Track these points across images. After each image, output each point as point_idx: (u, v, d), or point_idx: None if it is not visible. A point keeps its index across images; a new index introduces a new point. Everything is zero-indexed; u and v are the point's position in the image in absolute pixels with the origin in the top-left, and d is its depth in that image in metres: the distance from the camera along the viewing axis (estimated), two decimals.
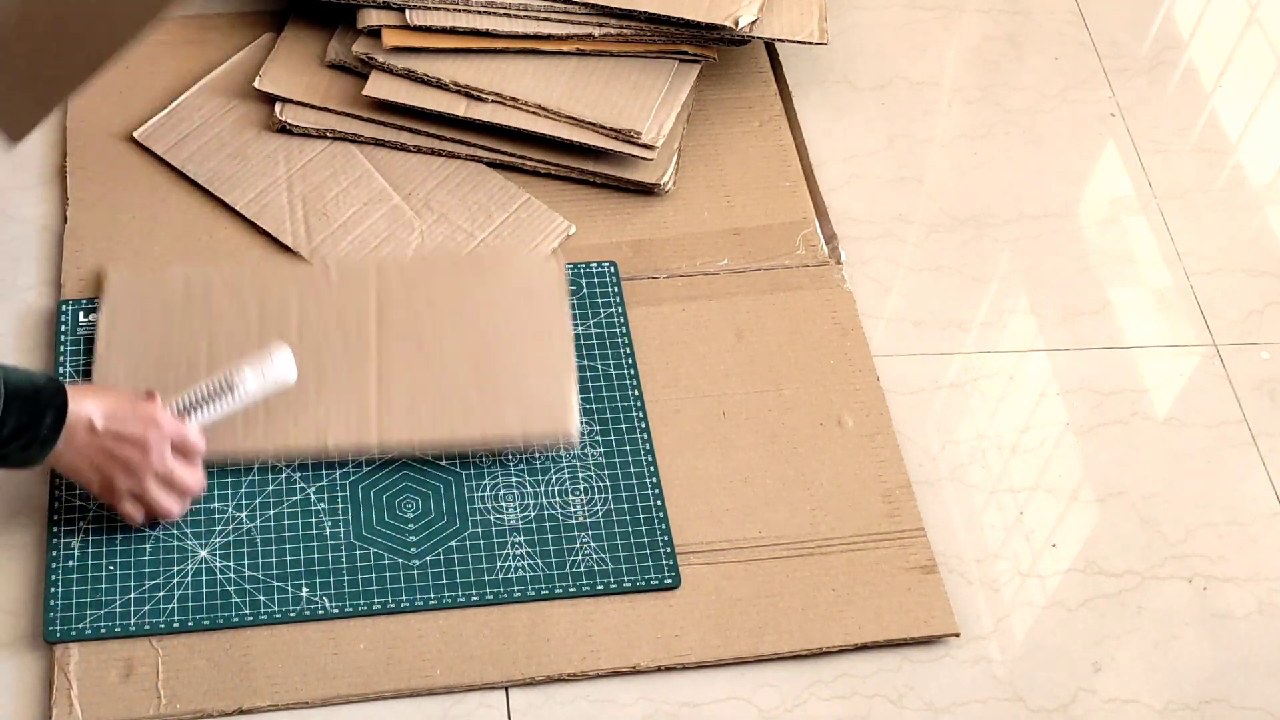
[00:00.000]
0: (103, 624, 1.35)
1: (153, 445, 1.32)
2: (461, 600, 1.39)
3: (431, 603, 1.39)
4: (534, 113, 1.65)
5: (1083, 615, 1.46)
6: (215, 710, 1.32)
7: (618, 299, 1.60)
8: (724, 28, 1.67)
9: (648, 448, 1.50)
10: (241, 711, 1.33)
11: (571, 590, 1.41)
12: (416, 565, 1.41)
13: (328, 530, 1.42)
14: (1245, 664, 1.44)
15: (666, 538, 1.44)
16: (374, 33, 1.67)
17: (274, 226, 1.62)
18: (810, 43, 1.73)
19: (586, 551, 1.43)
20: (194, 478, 1.37)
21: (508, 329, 1.54)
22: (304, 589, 1.39)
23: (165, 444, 1.33)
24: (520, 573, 1.41)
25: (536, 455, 1.48)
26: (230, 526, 1.41)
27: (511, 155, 1.68)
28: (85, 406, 1.30)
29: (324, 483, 1.45)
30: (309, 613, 1.37)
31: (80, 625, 1.35)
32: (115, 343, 1.50)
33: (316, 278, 1.56)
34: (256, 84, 1.69)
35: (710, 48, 1.72)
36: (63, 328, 1.53)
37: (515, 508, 1.45)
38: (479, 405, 1.48)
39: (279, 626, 1.37)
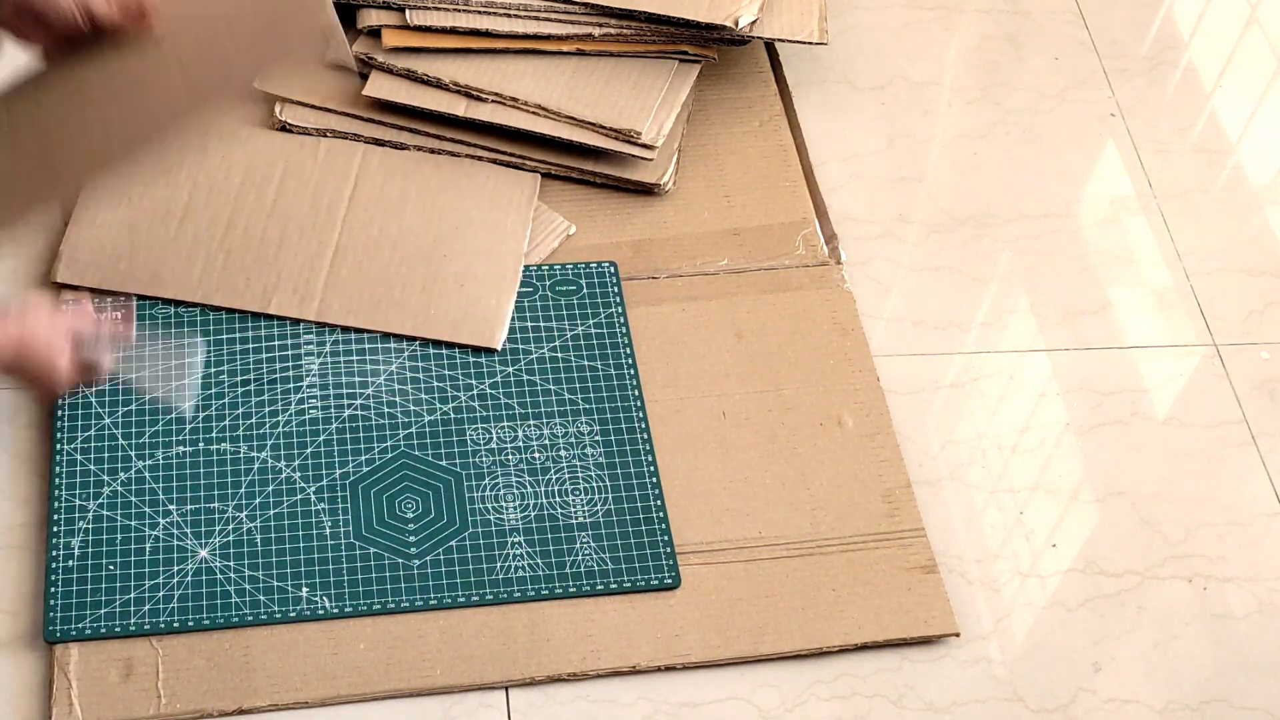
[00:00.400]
0: (103, 624, 1.35)
1: (57, 369, 1.23)
2: (461, 600, 1.39)
3: (431, 603, 1.39)
4: (534, 113, 1.65)
5: (1083, 615, 1.46)
6: (215, 710, 1.32)
7: (618, 299, 1.60)
8: (724, 28, 1.67)
9: (648, 448, 1.50)
10: (241, 711, 1.33)
11: (571, 590, 1.41)
12: (416, 565, 1.41)
13: (328, 530, 1.42)
14: (1245, 664, 1.44)
15: (666, 538, 1.44)
16: (374, 33, 1.67)
17: None
18: (810, 43, 1.73)
19: (586, 551, 1.43)
20: (107, 361, 1.25)
21: (466, 235, 1.60)
22: (304, 589, 1.39)
23: (65, 357, 1.23)
24: (520, 573, 1.41)
25: (536, 455, 1.48)
26: (230, 526, 1.41)
27: (511, 155, 1.67)
28: None
29: (324, 483, 1.45)
30: (309, 613, 1.37)
31: (80, 625, 1.35)
32: None
33: (305, 153, 1.63)
34: (256, 84, 1.69)
35: (710, 48, 1.72)
36: None
37: (515, 508, 1.45)
38: (417, 302, 1.55)
39: (279, 626, 1.37)
